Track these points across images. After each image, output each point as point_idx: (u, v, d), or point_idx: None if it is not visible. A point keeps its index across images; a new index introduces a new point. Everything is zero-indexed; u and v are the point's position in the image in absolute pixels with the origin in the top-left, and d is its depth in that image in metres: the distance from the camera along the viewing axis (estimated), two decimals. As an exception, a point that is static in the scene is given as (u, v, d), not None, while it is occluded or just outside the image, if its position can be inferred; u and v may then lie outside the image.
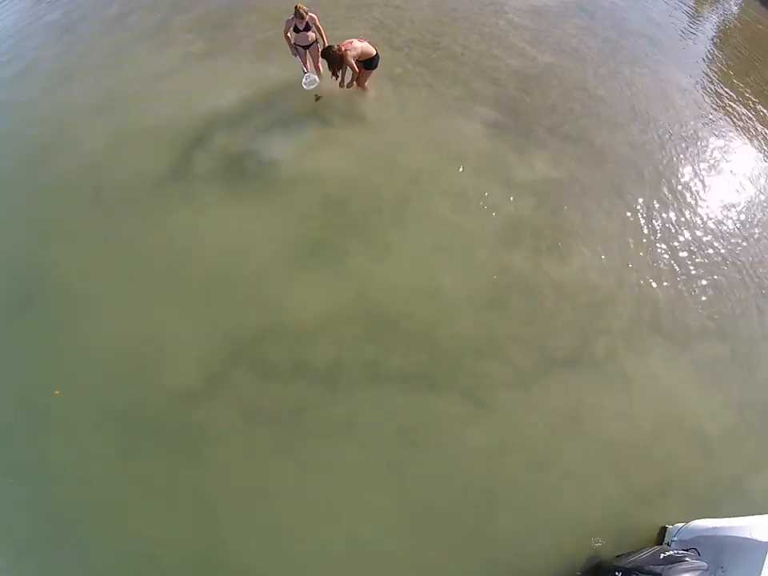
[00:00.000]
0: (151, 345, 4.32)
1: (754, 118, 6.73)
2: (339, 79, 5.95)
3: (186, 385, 4.10)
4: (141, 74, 6.59)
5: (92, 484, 3.79)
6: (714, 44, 8.26)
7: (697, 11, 8.97)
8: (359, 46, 5.68)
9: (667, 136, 6.14)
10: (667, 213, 5.37)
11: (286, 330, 4.37)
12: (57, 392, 4.17)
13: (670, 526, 3.70)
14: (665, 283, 4.85)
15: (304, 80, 5.90)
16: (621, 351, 4.40)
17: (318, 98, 6.04)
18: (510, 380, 4.20)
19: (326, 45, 5.79)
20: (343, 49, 5.61)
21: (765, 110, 6.90)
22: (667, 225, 5.27)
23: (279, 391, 4.10)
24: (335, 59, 5.63)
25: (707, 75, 7.36)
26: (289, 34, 5.76)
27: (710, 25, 8.80)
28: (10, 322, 4.57)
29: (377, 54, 5.84)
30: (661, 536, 3.73)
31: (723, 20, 9.14)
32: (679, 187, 5.63)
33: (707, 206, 5.54)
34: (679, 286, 4.85)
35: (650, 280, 4.84)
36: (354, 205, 5.13)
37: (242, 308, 4.50)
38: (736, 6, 9.72)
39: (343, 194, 5.20)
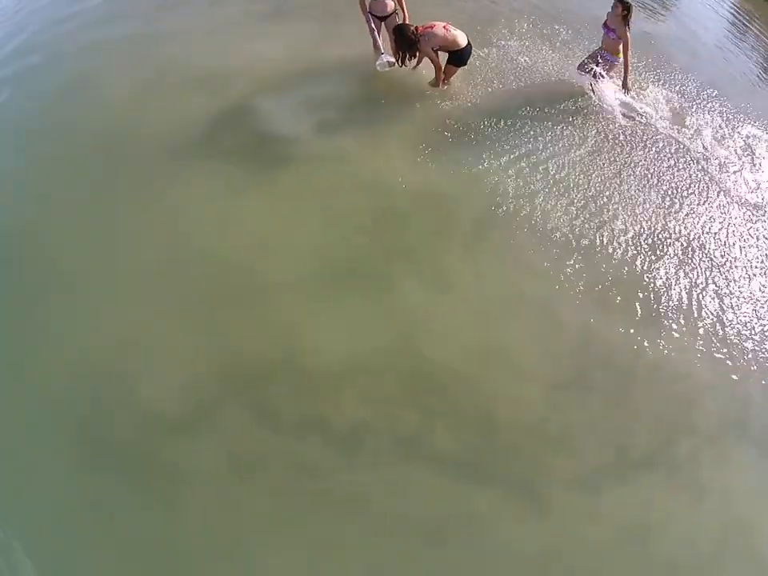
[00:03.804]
0: (132, 347, 3.46)
1: None
2: (410, 67, 4.91)
3: (164, 407, 3.23)
4: (190, 29, 5.84)
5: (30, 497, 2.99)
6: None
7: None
8: (442, 33, 4.59)
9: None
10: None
11: (301, 369, 3.40)
12: None
13: None
14: (759, 377, 3.77)
15: (378, 61, 4.86)
16: (702, 456, 3.49)
17: (390, 66, 4.92)
18: (576, 478, 3.27)
19: (405, 20, 4.79)
20: (419, 32, 4.55)
21: None
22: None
23: (281, 444, 3.18)
24: (406, 42, 4.57)
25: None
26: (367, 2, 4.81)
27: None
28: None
29: (469, 44, 4.73)
30: None
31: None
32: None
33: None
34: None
35: (745, 371, 3.78)
36: (415, 221, 4.10)
37: (249, 328, 3.58)
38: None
39: (404, 205, 4.18)
